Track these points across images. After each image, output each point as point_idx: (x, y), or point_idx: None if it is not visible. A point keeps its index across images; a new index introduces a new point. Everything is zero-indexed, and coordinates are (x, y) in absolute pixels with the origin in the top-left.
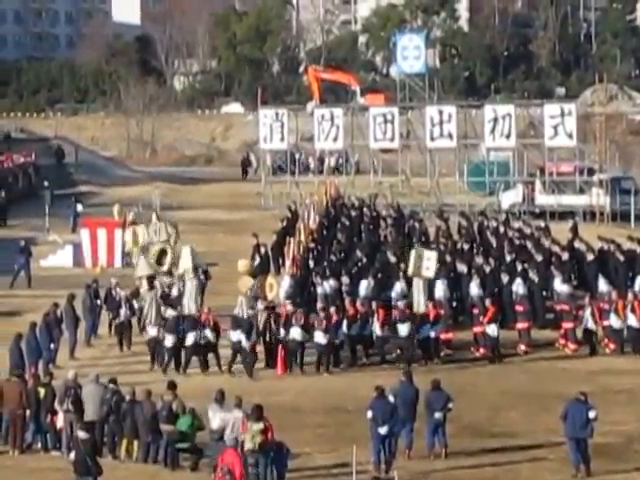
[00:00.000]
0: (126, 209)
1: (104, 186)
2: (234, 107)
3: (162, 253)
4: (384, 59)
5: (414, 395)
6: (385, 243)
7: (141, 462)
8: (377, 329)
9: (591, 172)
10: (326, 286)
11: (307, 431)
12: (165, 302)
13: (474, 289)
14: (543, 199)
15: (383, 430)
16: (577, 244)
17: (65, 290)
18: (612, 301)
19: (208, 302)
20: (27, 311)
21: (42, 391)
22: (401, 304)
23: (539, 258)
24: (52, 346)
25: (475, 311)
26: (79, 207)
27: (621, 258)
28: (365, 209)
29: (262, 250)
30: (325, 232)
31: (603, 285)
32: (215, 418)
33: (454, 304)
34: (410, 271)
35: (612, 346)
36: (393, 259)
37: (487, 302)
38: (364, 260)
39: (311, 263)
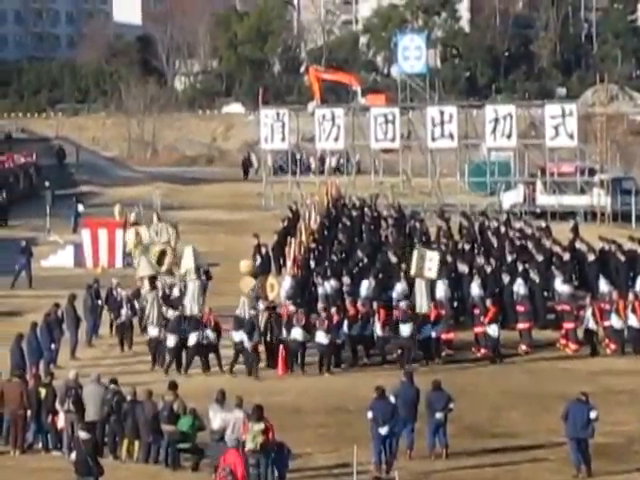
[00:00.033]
0: (127, 209)
1: (105, 186)
2: (235, 107)
3: (162, 254)
4: (385, 59)
5: (415, 395)
6: (386, 243)
7: (142, 462)
8: (378, 329)
9: (592, 172)
10: (327, 286)
11: (308, 431)
12: (166, 302)
13: (475, 289)
14: (544, 199)
15: (384, 430)
16: (578, 244)
17: (66, 290)
18: (613, 301)
19: (209, 302)
20: (28, 311)
21: (43, 391)
22: (403, 304)
23: (540, 258)
24: (53, 346)
25: (476, 311)
26: (80, 207)
27: (622, 258)
28: (366, 209)
29: (263, 250)
30: (326, 232)
31: (604, 285)
32: (216, 418)
33: (455, 304)
34: (412, 272)
35: (613, 346)
36: (394, 259)
37: (488, 302)
38: (365, 260)
39: (312, 263)
